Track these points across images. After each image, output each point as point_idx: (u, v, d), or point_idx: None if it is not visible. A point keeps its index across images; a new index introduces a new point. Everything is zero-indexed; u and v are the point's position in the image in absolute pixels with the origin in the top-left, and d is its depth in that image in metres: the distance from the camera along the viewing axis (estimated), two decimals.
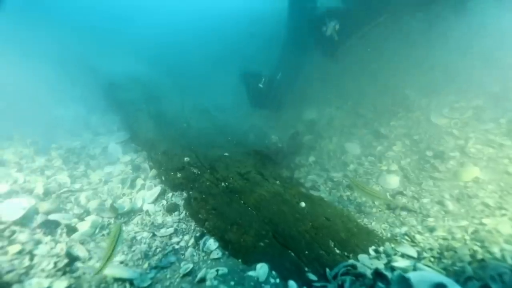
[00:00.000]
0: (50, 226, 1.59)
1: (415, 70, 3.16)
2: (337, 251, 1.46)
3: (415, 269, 1.30)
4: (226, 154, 2.21)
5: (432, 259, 1.39)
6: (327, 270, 1.31)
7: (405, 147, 2.53)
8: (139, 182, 2.18)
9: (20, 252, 1.37)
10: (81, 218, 1.74)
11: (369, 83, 3.33)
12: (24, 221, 1.56)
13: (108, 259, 1.18)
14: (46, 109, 3.53)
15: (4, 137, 2.52)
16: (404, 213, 1.92)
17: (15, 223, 1.54)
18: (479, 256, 1.33)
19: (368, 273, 1.25)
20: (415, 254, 1.43)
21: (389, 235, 1.70)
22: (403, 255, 1.43)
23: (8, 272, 1.25)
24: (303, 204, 1.75)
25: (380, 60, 3.37)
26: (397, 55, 3.27)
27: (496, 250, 1.34)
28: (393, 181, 2.26)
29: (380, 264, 1.36)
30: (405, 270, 1.28)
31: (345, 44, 2.45)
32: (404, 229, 1.72)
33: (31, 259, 1.35)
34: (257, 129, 2.96)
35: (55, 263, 1.35)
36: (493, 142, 2.06)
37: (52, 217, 1.65)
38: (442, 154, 2.21)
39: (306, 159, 2.85)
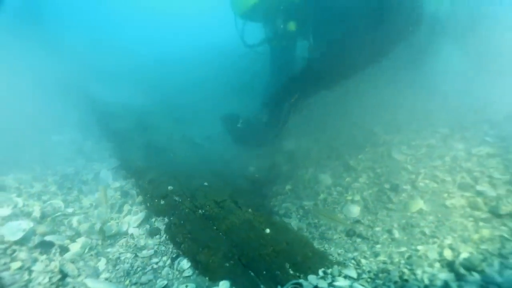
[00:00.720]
0: (45, 246, 1.89)
1: (383, 109, 3.64)
2: (291, 272, 1.77)
3: (351, 287, 1.62)
4: (206, 183, 2.56)
5: (368, 280, 1.71)
6: (279, 287, 1.63)
7: (369, 179, 2.91)
8: (126, 207, 2.50)
9: (20, 268, 1.67)
10: (72, 239, 2.04)
11: (343, 118, 3.79)
12: (23, 241, 1.86)
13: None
14: (43, 135, 3.90)
15: (5, 162, 2.85)
16: (359, 240, 2.26)
17: (16, 243, 1.84)
18: (405, 277, 1.66)
19: None
20: (355, 275, 1.75)
21: (341, 259, 2.02)
22: (345, 276, 1.75)
23: (11, 285, 1.54)
24: (268, 230, 2.08)
25: (354, 98, 3.87)
26: (368, 94, 3.77)
27: (419, 272, 1.68)
28: (355, 211, 2.60)
29: (324, 283, 1.67)
30: None
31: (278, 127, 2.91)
32: (355, 254, 2.05)
33: (30, 274, 1.65)
34: (238, 160, 3.34)
35: (50, 278, 1.64)
36: (438, 178, 2.46)
37: (47, 238, 1.95)
38: (397, 187, 2.59)
39: (283, 188, 3.20)
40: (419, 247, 1.94)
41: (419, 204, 2.32)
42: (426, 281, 1.60)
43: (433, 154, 2.72)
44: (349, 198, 2.79)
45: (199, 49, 5.74)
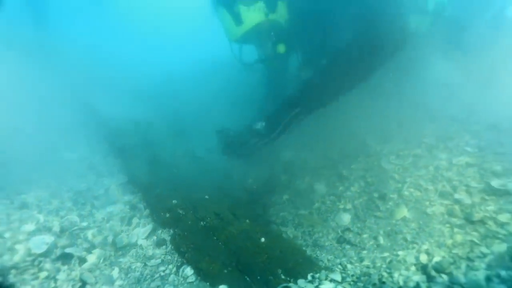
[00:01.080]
0: (66, 258, 2.19)
1: (375, 120, 3.89)
2: (283, 277, 2.03)
3: None
4: (207, 196, 2.84)
5: (351, 283, 1.96)
6: None
7: (360, 188, 3.15)
8: (135, 220, 2.79)
9: (47, 277, 1.96)
10: (89, 251, 2.33)
11: (337, 129, 4.04)
12: (47, 254, 2.16)
13: None
14: (54, 151, 4.23)
15: (24, 181, 3.18)
16: (348, 246, 2.50)
17: (41, 255, 2.14)
18: (383, 280, 1.91)
19: None
20: (340, 279, 2.00)
21: (330, 264, 2.27)
22: (331, 280, 2.00)
23: None
24: (263, 239, 2.35)
25: (348, 110, 4.12)
26: (361, 105, 4.01)
27: (396, 275, 1.92)
28: (346, 219, 2.85)
29: (311, 287, 1.92)
30: None
31: (271, 137, 3.17)
32: (343, 260, 2.30)
33: (55, 282, 1.94)
34: (237, 172, 3.61)
35: (72, 286, 1.93)
36: (421, 187, 2.69)
37: (67, 250, 2.25)
38: (385, 196, 2.83)
39: (281, 197, 3.46)
40: (400, 252, 2.18)
41: (404, 212, 2.55)
42: (401, 283, 1.84)
43: (418, 164, 2.96)
44: (341, 206, 3.03)
45: (201, 64, 6.08)
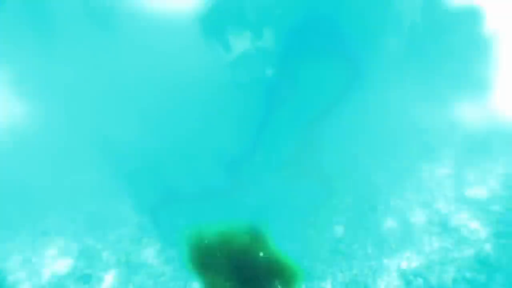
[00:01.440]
0: (87, 277, 2.49)
1: (365, 135, 4.20)
2: (279, 286, 2.31)
3: None
4: (210, 216, 3.15)
5: None
6: None
7: (353, 201, 3.43)
8: (145, 240, 3.10)
9: None
10: (105, 271, 2.64)
11: (331, 146, 4.35)
12: (70, 274, 2.48)
13: None
14: (66, 177, 4.58)
15: (43, 208, 3.52)
16: (340, 256, 2.77)
17: (65, 276, 2.45)
18: (368, 286, 2.17)
19: None
20: (330, 287, 2.27)
21: (322, 274, 2.54)
22: (324, 287, 2.27)
23: None
24: (261, 254, 2.64)
25: (340, 126, 4.44)
26: (353, 120, 4.34)
27: (379, 280, 2.19)
28: (340, 230, 3.13)
29: None
30: None
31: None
32: (334, 269, 2.57)
33: None
34: (237, 191, 3.91)
35: None
36: (403, 197, 2.98)
37: (86, 271, 2.56)
38: (374, 208, 3.11)
39: (279, 213, 3.74)
40: (385, 260, 2.45)
41: (390, 222, 2.83)
42: None
43: (404, 176, 3.25)
44: (335, 219, 3.31)
45: (201, 87, 6.49)
